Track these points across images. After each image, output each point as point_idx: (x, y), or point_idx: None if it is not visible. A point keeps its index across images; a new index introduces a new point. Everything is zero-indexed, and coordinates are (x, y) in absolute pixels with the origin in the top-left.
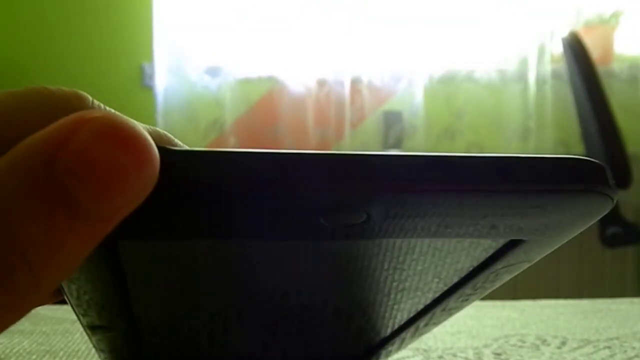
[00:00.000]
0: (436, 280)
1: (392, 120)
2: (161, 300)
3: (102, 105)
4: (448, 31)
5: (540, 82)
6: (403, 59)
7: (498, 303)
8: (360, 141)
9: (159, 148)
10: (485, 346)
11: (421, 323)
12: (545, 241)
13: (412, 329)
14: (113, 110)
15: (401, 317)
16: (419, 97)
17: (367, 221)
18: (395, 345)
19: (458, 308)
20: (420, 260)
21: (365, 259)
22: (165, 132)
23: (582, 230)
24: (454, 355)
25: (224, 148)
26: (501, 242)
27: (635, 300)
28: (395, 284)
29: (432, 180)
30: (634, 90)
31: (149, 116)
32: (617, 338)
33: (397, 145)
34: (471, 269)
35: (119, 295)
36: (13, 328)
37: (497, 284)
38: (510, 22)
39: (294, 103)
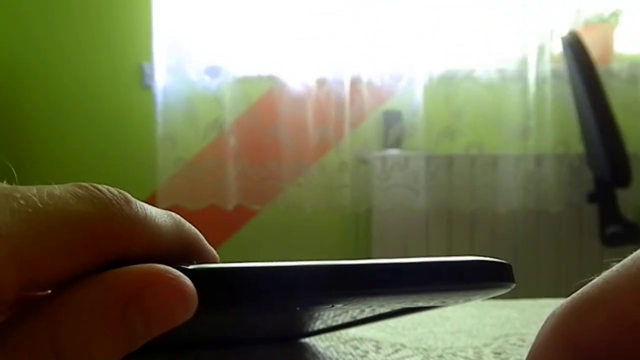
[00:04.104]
0: (365, 312)
1: (391, 120)
2: None
3: (138, 206)
4: (448, 31)
5: (540, 81)
6: (403, 59)
7: (498, 302)
8: (360, 141)
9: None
10: (485, 345)
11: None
12: (450, 305)
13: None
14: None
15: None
16: (418, 96)
17: (331, 307)
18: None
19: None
20: (361, 312)
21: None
22: (189, 228)
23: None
24: (454, 355)
25: (225, 264)
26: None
27: None
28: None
29: (381, 285)
30: (634, 90)
31: (148, 116)
32: None
33: (396, 145)
34: (390, 311)
35: None
36: None
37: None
38: (510, 21)
39: (293, 102)
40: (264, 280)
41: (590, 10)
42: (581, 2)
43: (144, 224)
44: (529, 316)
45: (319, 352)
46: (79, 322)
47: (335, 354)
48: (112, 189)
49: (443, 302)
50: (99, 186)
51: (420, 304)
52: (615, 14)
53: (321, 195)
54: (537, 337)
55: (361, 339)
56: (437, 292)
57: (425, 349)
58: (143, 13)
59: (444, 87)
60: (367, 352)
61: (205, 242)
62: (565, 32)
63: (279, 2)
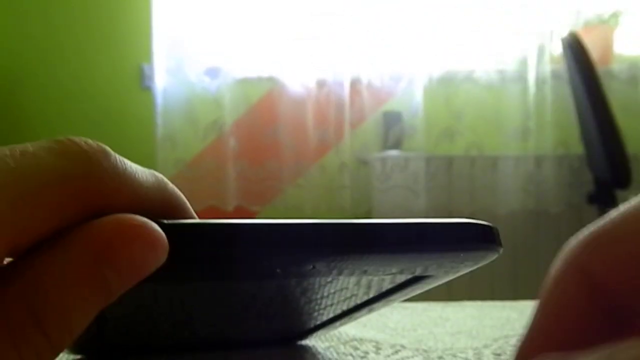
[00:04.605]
0: (358, 295)
1: (391, 121)
2: (128, 305)
3: (118, 160)
4: (448, 31)
5: (539, 82)
6: (402, 60)
7: (498, 303)
8: (360, 142)
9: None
10: (485, 346)
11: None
12: (442, 277)
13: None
14: (135, 169)
15: (327, 316)
16: (418, 97)
17: (312, 269)
18: (323, 330)
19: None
20: (349, 288)
21: (304, 290)
22: (173, 189)
23: (472, 269)
24: (454, 356)
25: (209, 220)
26: (410, 276)
27: None
28: (325, 300)
29: (366, 245)
30: (634, 90)
31: (148, 117)
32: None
33: (396, 146)
34: (384, 290)
35: None
36: None
37: (405, 297)
38: (510, 22)
39: (293, 103)
40: (239, 234)
41: (590, 11)
42: (581, 3)
43: (124, 179)
44: (529, 317)
45: (319, 353)
46: (53, 285)
47: (335, 354)
48: (90, 141)
49: (429, 270)
50: (76, 139)
51: (405, 275)
52: (615, 15)
53: (321, 197)
54: (552, 267)
55: (361, 339)
56: (420, 254)
57: (425, 350)
58: (143, 14)
59: (444, 88)
60: (367, 352)
61: (189, 205)
62: (565, 33)
63: (278, 3)
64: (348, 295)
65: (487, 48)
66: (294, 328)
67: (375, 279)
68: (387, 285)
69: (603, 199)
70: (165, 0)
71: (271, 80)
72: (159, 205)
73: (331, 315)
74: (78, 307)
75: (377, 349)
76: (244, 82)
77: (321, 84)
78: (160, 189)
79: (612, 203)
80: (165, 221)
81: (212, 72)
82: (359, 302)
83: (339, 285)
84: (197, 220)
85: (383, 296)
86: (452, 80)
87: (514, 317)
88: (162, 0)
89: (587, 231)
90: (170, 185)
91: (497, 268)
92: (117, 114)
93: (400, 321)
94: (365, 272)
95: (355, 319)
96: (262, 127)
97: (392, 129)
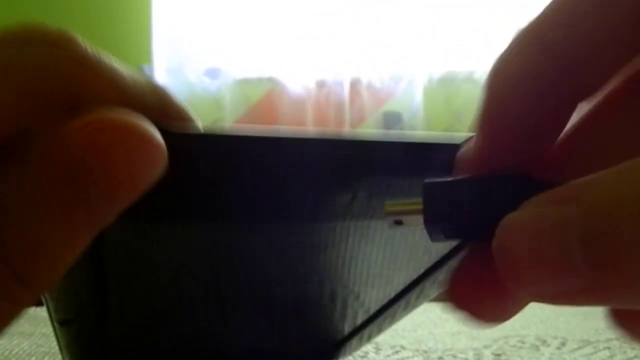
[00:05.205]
0: (404, 270)
1: (391, 122)
2: (136, 287)
3: (87, 46)
4: (448, 32)
5: None
6: (402, 60)
7: None
8: None
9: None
10: (485, 347)
11: (387, 316)
12: None
13: (377, 323)
14: (113, 64)
15: (368, 309)
16: (418, 98)
17: (352, 201)
18: (361, 340)
19: (422, 300)
20: (391, 248)
21: (341, 245)
22: (162, 88)
23: None
24: (454, 356)
25: (220, 129)
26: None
27: None
28: (365, 272)
29: (414, 163)
30: None
31: None
32: (617, 339)
33: None
34: (437, 259)
35: (96, 283)
36: (13, 330)
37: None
38: (510, 22)
39: (293, 104)
40: (276, 149)
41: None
42: None
43: (96, 67)
44: (528, 318)
45: None
46: (15, 212)
47: None
48: (50, 25)
49: None
50: (35, 24)
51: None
52: None
53: None
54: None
55: None
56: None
57: (425, 351)
58: (143, 14)
59: (444, 88)
60: (367, 353)
61: (198, 122)
62: None
63: (278, 4)
64: (390, 273)
65: (487, 48)
66: (326, 334)
67: (418, 246)
68: (435, 255)
69: None
70: (165, 1)
71: (271, 80)
72: (158, 114)
73: (370, 308)
74: (54, 240)
75: (377, 349)
76: (244, 83)
77: (321, 85)
78: (158, 94)
79: None
80: (172, 130)
81: (212, 73)
82: (402, 284)
83: (380, 257)
84: (210, 131)
85: (429, 273)
86: (453, 81)
87: (513, 317)
88: (161, 1)
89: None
90: (175, 97)
91: None
92: None
93: (400, 322)
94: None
95: (391, 320)
96: (262, 127)
97: (392, 129)
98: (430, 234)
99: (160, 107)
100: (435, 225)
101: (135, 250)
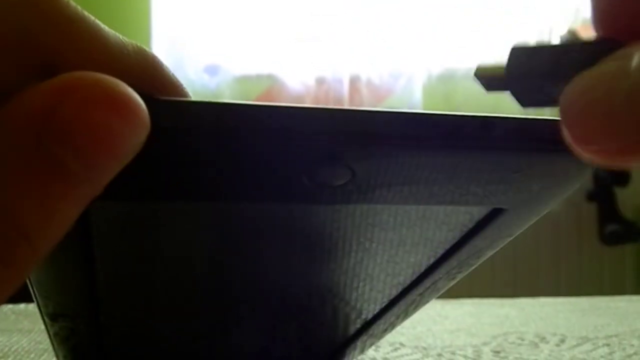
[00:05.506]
0: (420, 253)
1: None
2: (127, 276)
3: (70, 8)
4: (447, 29)
5: None
6: (402, 57)
7: (497, 301)
8: None
9: (145, 99)
10: (484, 344)
11: (401, 308)
12: (525, 211)
13: (388, 317)
14: (101, 27)
15: (381, 301)
16: (417, 95)
17: (351, 181)
18: (370, 339)
19: (438, 289)
20: (401, 230)
21: (345, 229)
22: (153, 57)
23: (559, 199)
24: (453, 353)
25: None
26: (483, 212)
27: (634, 297)
28: (374, 258)
29: (417, 136)
30: None
31: None
32: (616, 336)
33: None
34: (454, 241)
35: (84, 272)
36: (12, 327)
37: (479, 261)
38: (509, 20)
39: (292, 101)
40: (272, 119)
41: (589, 9)
42: (580, 1)
43: (75, 30)
44: (528, 315)
45: None
46: None
47: None
48: None
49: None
50: None
51: (488, 189)
52: None
53: None
54: None
55: None
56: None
57: (424, 348)
58: (141, 12)
59: (443, 85)
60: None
61: (187, 92)
62: (564, 31)
63: (277, 1)
64: (405, 254)
65: (486, 46)
66: (327, 336)
67: (434, 227)
68: (451, 237)
69: (602, 196)
70: None
71: (270, 77)
72: (146, 83)
73: (384, 296)
74: (30, 208)
75: (376, 346)
76: (244, 80)
77: (320, 82)
78: (147, 60)
79: (611, 201)
80: (161, 98)
81: (212, 70)
82: (422, 268)
83: (390, 236)
84: (200, 100)
85: (446, 258)
86: (452, 78)
87: (513, 314)
88: None
89: None
90: (167, 69)
91: (496, 265)
92: None
93: None
94: (420, 195)
95: (405, 312)
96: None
97: None
98: (517, 99)
99: (151, 79)
100: (517, 86)
101: (123, 236)
